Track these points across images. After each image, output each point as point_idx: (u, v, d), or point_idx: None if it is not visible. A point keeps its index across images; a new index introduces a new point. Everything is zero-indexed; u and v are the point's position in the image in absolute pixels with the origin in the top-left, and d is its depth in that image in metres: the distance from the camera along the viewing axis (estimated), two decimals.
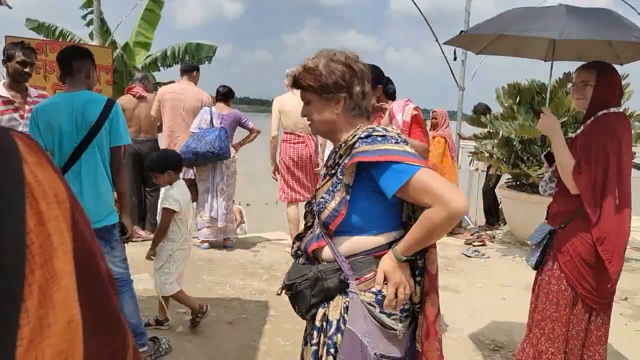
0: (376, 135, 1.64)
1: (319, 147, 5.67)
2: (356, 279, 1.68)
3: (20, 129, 3.33)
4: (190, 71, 5.91)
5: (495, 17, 2.94)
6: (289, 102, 5.30)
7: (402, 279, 1.65)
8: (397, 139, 1.66)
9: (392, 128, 1.94)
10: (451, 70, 7.28)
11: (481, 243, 6.36)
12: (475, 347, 3.63)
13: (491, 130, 6.28)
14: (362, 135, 1.65)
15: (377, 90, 3.07)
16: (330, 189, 1.72)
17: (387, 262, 1.66)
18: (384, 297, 1.66)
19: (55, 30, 10.38)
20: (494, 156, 6.43)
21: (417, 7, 7.28)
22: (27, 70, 3.52)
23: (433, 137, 6.15)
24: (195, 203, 5.70)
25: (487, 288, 4.85)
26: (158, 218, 5.75)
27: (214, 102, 5.79)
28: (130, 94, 6.23)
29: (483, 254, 5.94)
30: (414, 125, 3.24)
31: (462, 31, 2.89)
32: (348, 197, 1.67)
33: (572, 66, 6.27)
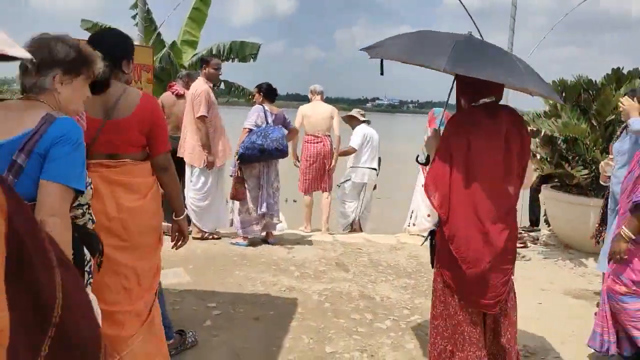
0: None
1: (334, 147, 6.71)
2: None
3: None
4: (201, 67, 5.88)
5: (395, 38, 2.81)
6: (311, 111, 6.67)
7: None
8: None
9: None
10: None
11: (522, 245, 6.16)
12: None
13: (533, 129, 6.06)
14: None
15: None
16: None
17: None
18: None
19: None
20: (537, 155, 6.21)
21: (462, 3, 7.11)
22: None
23: None
24: (233, 202, 5.77)
25: (523, 291, 4.65)
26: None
27: (262, 100, 5.83)
28: (170, 91, 6.39)
29: (523, 256, 5.75)
30: None
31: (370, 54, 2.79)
32: None
33: (622, 63, 5.99)
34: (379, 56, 2.63)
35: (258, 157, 5.43)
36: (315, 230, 6.83)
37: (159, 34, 11.18)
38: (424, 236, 3.04)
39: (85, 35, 2.98)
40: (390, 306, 4.23)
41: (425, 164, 2.89)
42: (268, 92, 5.80)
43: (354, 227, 7.06)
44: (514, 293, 2.73)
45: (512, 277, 2.68)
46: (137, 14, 10.47)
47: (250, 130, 5.53)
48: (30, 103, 1.76)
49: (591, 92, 5.86)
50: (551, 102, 6.22)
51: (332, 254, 5.59)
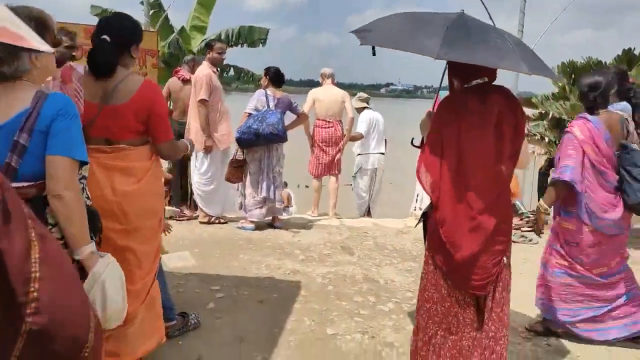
0: None
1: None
2: None
3: None
4: (207, 51, 5.86)
5: (385, 21, 2.67)
6: (322, 94, 6.63)
7: None
8: None
9: None
10: None
11: (530, 229, 6.11)
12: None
13: (542, 112, 5.99)
14: None
15: None
16: None
17: None
18: None
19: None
20: (545, 139, 6.14)
21: None
22: (74, 54, 3.70)
23: None
24: (239, 184, 5.80)
25: (528, 275, 4.64)
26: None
27: (267, 85, 5.81)
28: (177, 77, 6.40)
29: (530, 240, 5.72)
30: None
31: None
32: None
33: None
34: (368, 43, 2.58)
35: (254, 141, 5.43)
36: (323, 215, 6.85)
37: (167, 19, 11.18)
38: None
39: (95, 21, 2.99)
40: (394, 289, 4.24)
41: (420, 147, 2.87)
42: (275, 77, 5.77)
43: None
44: (509, 274, 2.70)
45: (505, 259, 2.65)
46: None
47: (250, 115, 5.53)
48: (18, 84, 1.78)
49: None
50: (560, 84, 6.14)
51: (337, 237, 5.60)
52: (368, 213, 7.26)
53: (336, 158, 6.77)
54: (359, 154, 7.07)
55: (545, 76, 2.53)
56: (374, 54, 2.68)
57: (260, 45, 11.88)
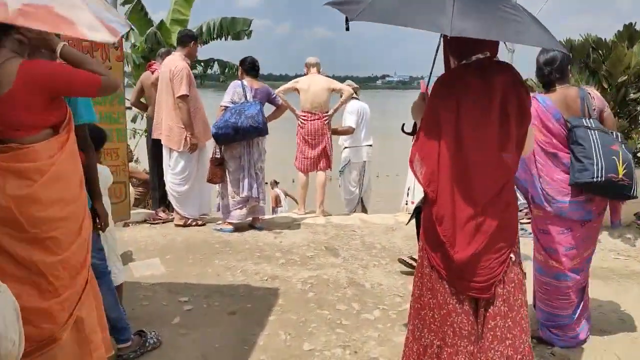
0: None
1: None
2: None
3: None
4: (185, 43, 5.46)
5: None
6: (306, 84, 6.09)
7: None
8: None
9: None
10: None
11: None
12: None
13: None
14: None
15: None
16: None
17: None
18: None
19: None
20: None
21: None
22: None
23: None
24: (219, 185, 5.40)
25: (528, 272, 4.30)
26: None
27: (242, 76, 5.43)
28: (150, 71, 6.01)
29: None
30: None
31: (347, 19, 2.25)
32: None
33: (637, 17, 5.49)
34: (359, 18, 2.17)
35: (233, 136, 5.02)
36: (310, 213, 6.45)
37: (145, 14, 10.76)
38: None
39: None
40: (381, 294, 3.86)
41: (412, 133, 2.51)
42: (249, 67, 5.38)
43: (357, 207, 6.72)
44: (520, 272, 2.33)
45: (513, 255, 2.28)
46: None
47: (226, 108, 5.13)
48: None
49: (601, 52, 5.37)
50: None
51: (322, 237, 5.21)
52: (363, 208, 6.88)
53: (324, 152, 6.18)
54: (345, 147, 6.67)
55: (561, 50, 2.23)
56: (347, 28, 2.26)
57: (245, 37, 11.45)
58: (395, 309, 3.58)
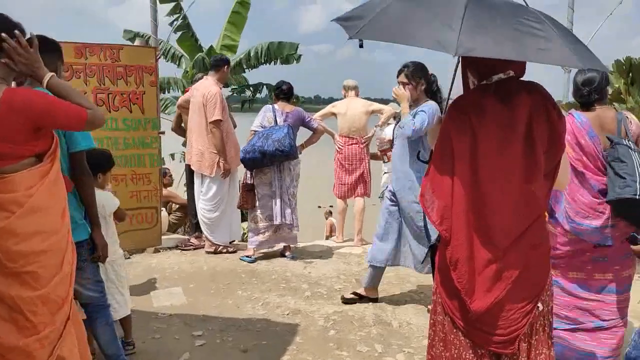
0: None
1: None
2: None
3: None
4: (218, 67, 5.35)
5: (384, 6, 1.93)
6: (344, 107, 5.91)
7: None
8: None
9: None
10: None
11: None
12: None
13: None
14: None
15: None
16: None
17: None
18: None
19: (149, 39, 10.62)
20: None
21: None
22: None
23: None
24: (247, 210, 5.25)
25: None
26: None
27: (275, 100, 5.32)
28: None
29: None
30: None
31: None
32: None
33: None
34: (359, 37, 1.96)
35: (261, 160, 4.86)
36: (349, 241, 6.18)
37: (196, 40, 10.94)
38: None
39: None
40: (409, 334, 3.54)
41: (429, 162, 2.25)
42: (279, 92, 5.25)
43: None
44: (548, 324, 2.01)
45: (541, 304, 1.96)
46: (173, 20, 10.36)
47: (256, 133, 5.00)
48: None
49: None
50: (616, 85, 5.28)
51: (354, 268, 4.93)
52: None
53: (363, 177, 5.94)
54: (385, 172, 6.38)
55: (597, 68, 2.03)
56: (361, 45, 2.05)
57: (294, 61, 11.44)
58: (421, 353, 3.25)
